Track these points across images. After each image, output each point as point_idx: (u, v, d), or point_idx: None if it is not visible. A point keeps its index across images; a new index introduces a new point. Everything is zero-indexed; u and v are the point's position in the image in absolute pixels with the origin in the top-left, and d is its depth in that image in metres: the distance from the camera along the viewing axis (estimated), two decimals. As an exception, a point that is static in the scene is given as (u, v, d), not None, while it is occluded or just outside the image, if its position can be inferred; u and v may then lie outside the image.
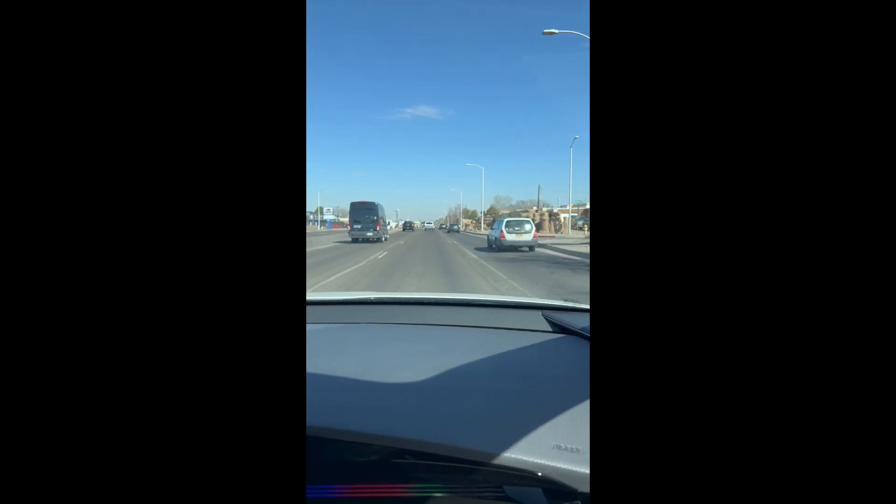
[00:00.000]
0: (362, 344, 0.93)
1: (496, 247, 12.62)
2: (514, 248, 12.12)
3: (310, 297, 1.30)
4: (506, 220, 13.36)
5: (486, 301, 1.33)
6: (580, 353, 0.83)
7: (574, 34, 12.19)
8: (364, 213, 19.39)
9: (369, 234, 18.79)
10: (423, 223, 76.71)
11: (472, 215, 78.93)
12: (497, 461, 0.50)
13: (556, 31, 12.05)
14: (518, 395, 0.65)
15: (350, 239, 19.30)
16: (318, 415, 0.57)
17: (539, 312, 1.13)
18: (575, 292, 5.54)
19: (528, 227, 12.41)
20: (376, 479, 0.60)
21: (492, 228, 15.10)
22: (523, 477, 0.51)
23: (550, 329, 1.03)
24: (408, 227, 50.99)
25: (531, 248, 12.23)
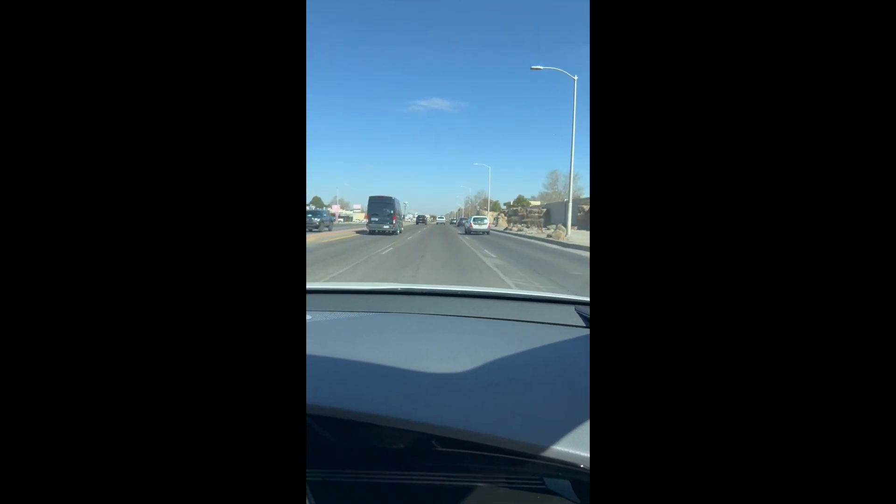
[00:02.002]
0: (398, 332, 0.93)
1: (467, 231, 23.41)
2: (477, 232, 22.44)
3: (336, 286, 1.41)
4: (473, 217, 26.25)
5: (517, 295, 1.35)
6: None
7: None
8: (381, 207, 20.94)
9: (386, 226, 20.17)
10: (436, 217, 76.03)
11: (494, 207, 65.82)
12: (538, 452, 0.50)
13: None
14: (558, 389, 0.65)
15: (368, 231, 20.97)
16: (356, 400, 0.58)
17: (572, 308, 1.11)
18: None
19: (485, 221, 24.40)
20: (413, 467, 0.61)
21: (467, 221, 27.42)
22: (566, 470, 0.50)
23: (584, 324, 1.02)
24: (421, 220, 53.73)
25: (487, 232, 23.04)
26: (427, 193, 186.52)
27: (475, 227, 22.68)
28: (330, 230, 22.03)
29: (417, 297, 1.30)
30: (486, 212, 55.45)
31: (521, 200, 60.48)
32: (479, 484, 0.59)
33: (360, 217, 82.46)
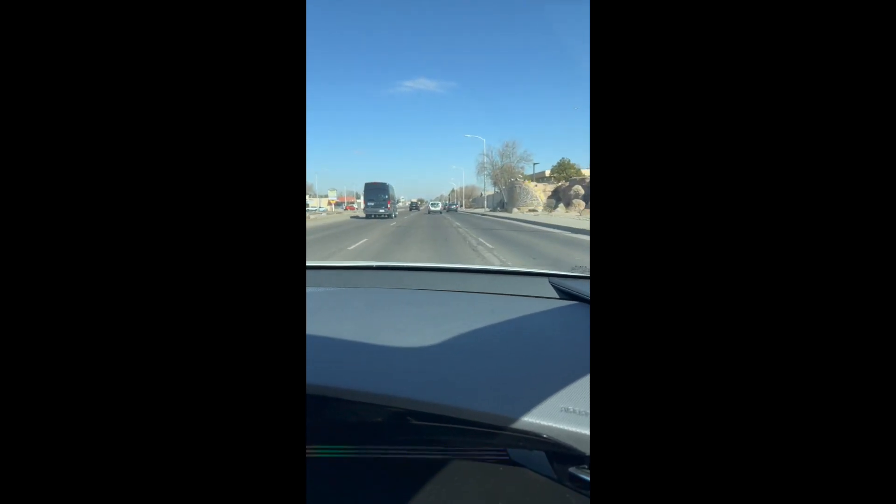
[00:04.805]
0: (369, 307, 0.93)
1: (429, 212, 33.01)
2: (433, 212, 32.19)
3: (313, 262, 1.34)
4: (432, 200, 45.51)
5: (492, 269, 1.38)
6: (587, 320, 0.82)
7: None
8: (377, 193, 23.09)
9: (381, 210, 22.55)
10: (425, 202, 69.08)
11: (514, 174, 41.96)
12: (503, 424, 0.50)
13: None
14: (526, 359, 0.65)
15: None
16: (327, 375, 0.58)
17: (546, 280, 1.12)
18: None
19: (440, 203, 40.51)
20: (382, 441, 0.62)
21: (429, 205, 39.69)
22: (528, 440, 0.51)
23: (557, 296, 1.01)
24: (414, 207, 55.45)
25: (441, 212, 32.08)
26: (420, 177, 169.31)
27: (433, 209, 34.85)
28: None
29: (393, 273, 1.32)
30: (529, 182, 32.88)
31: (565, 166, 37.59)
32: (444, 456, 0.60)
33: (319, 203, 60.65)
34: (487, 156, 40.50)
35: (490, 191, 44.58)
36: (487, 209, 38.93)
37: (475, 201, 62.99)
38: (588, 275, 1.13)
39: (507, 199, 34.59)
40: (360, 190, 25.37)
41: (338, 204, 75.06)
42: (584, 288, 0.98)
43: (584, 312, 0.86)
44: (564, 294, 1.00)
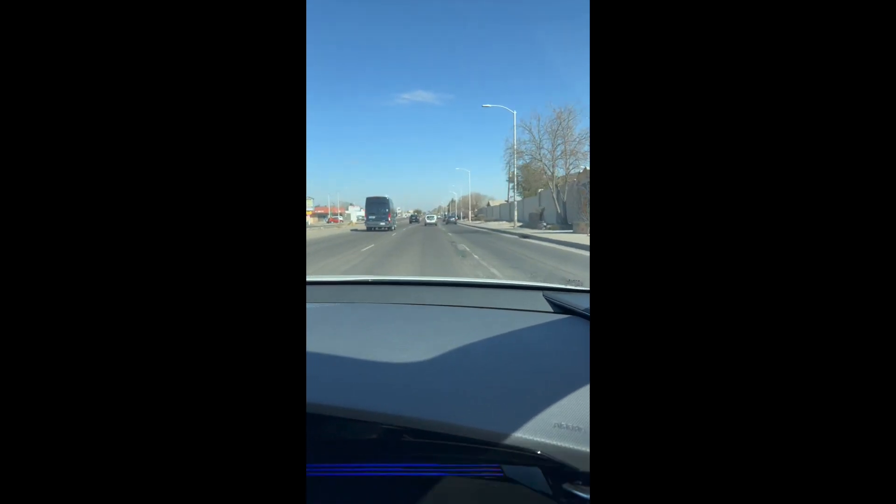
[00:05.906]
0: (361, 323, 0.94)
1: (424, 223, 35.53)
2: (431, 224, 32.79)
3: (307, 278, 1.31)
4: (428, 213, 43.06)
5: (486, 283, 1.37)
6: (582, 334, 0.82)
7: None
8: (378, 207, 23.86)
9: (382, 223, 23.05)
10: (422, 213, 63.65)
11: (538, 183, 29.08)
12: (496, 440, 0.51)
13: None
14: (519, 375, 0.65)
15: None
16: (318, 392, 0.58)
17: (540, 293, 1.11)
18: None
19: (434, 216, 39.56)
20: (374, 458, 0.61)
21: (426, 217, 39.63)
22: (522, 456, 0.51)
23: (552, 310, 1.01)
24: (414, 219, 52.49)
25: (435, 224, 33.07)
26: (419, 188, 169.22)
27: (428, 221, 35.29)
28: None
29: (387, 288, 1.33)
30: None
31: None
32: (439, 474, 0.59)
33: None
34: (530, 129, 23.09)
35: (499, 200, 33.98)
36: (518, 224, 23.53)
37: (482, 212, 50.54)
38: (582, 288, 1.12)
39: (561, 207, 20.04)
40: (347, 200, 24.60)
41: (321, 216, 62.87)
42: (579, 301, 0.96)
43: (578, 326, 0.86)
44: (558, 308, 0.99)
